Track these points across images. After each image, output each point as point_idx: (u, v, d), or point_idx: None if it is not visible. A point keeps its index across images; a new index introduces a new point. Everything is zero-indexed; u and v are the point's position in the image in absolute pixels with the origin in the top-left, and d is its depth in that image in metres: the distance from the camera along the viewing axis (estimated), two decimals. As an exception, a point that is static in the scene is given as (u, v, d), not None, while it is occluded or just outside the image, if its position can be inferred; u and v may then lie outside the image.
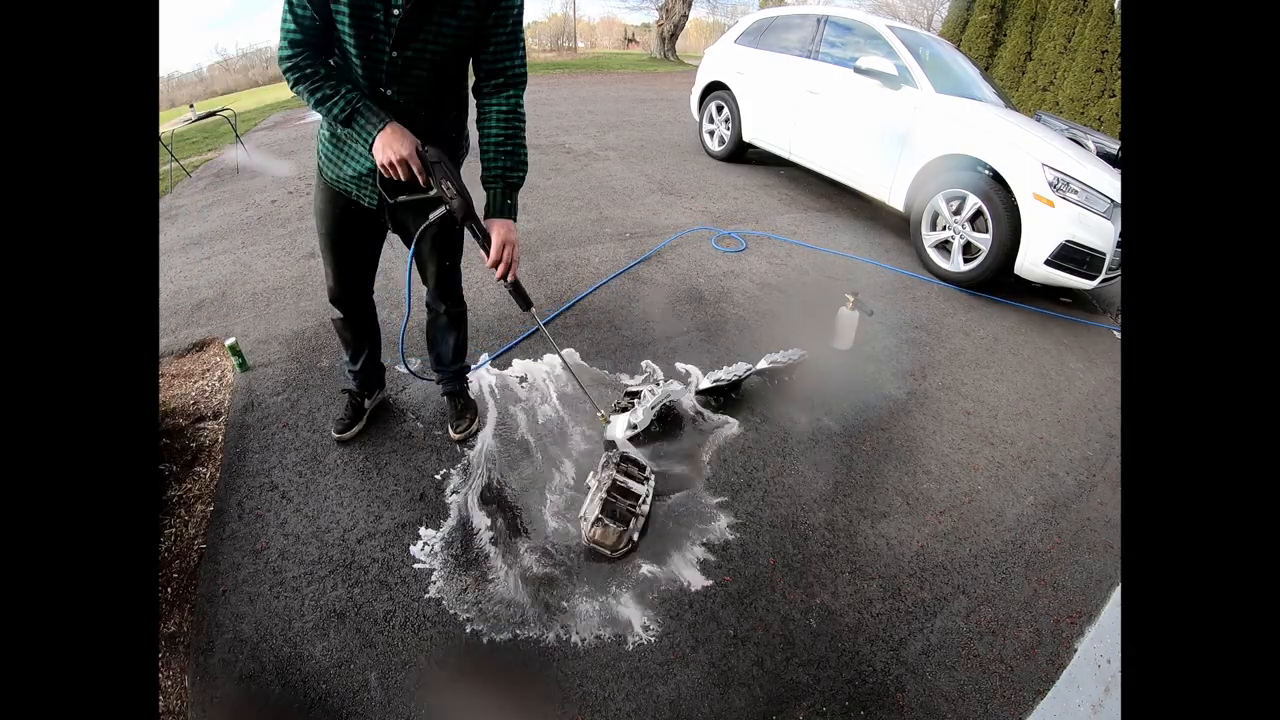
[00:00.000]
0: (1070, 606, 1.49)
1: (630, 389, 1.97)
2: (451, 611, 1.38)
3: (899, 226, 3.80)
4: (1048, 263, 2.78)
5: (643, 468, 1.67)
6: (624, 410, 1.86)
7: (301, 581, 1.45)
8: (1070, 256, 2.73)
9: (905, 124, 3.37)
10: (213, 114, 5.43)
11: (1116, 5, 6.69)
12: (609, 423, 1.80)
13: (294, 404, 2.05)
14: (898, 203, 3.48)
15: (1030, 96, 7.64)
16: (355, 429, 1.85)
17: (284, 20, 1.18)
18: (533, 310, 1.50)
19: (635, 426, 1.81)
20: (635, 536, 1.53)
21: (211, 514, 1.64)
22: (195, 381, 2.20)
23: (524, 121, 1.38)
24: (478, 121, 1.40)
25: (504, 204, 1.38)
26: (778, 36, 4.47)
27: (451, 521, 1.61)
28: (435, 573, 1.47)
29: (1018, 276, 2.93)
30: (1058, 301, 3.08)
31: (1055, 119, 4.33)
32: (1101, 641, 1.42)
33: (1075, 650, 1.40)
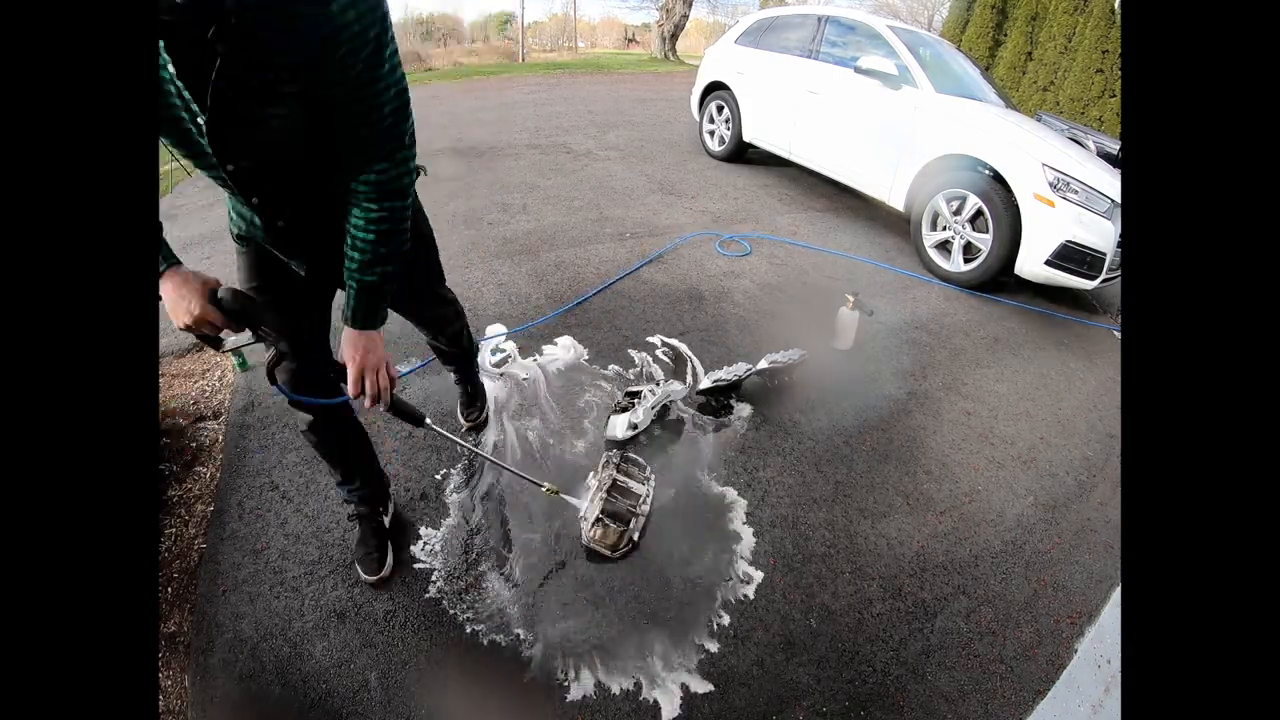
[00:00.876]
0: (1070, 606, 1.49)
1: (631, 389, 1.97)
2: (451, 611, 1.38)
3: (899, 226, 3.80)
4: (1048, 263, 2.78)
5: (643, 467, 1.67)
6: (624, 410, 1.86)
7: (301, 581, 1.45)
8: (1070, 256, 2.73)
9: (906, 124, 3.37)
10: (213, 114, 5.41)
11: (1116, 5, 6.69)
12: (556, 494, 1.48)
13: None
14: (898, 203, 3.48)
15: (1030, 96, 7.64)
16: (389, 561, 1.46)
17: None
18: (428, 422, 1.23)
19: (636, 426, 1.81)
20: (636, 536, 1.53)
21: (211, 514, 1.64)
22: (195, 381, 2.20)
23: (397, 231, 1.00)
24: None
25: (355, 310, 1.03)
26: (778, 36, 4.47)
27: (451, 521, 1.61)
28: (435, 573, 1.47)
29: (1018, 276, 2.93)
30: (1058, 301, 3.08)
31: (1056, 119, 4.32)
32: (1101, 641, 1.42)
33: (1075, 650, 1.40)
